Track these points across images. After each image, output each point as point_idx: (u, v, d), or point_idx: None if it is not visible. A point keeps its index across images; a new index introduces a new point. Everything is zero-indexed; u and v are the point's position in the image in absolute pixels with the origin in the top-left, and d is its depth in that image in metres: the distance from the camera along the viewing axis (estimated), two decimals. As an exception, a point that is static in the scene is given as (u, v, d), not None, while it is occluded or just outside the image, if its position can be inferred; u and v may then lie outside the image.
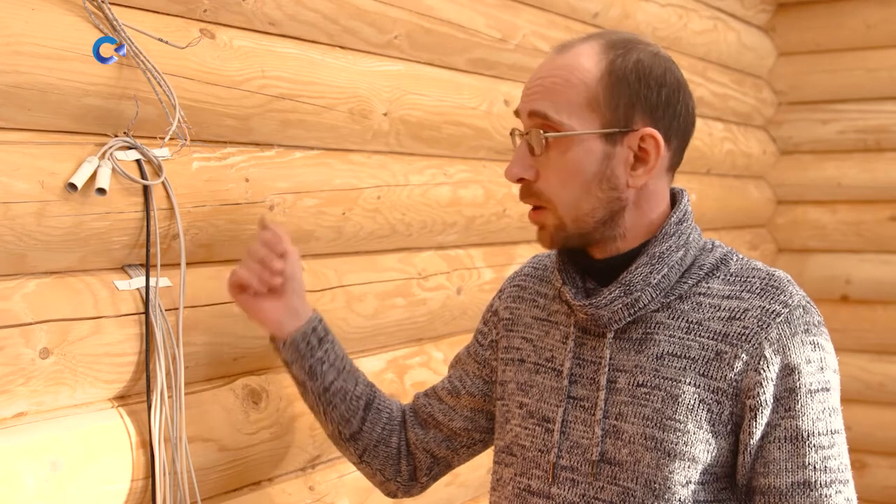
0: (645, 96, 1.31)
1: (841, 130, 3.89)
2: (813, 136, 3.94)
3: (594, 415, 1.35)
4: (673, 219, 1.35)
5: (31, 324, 1.31)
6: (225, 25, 1.61)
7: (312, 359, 1.54)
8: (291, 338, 1.53)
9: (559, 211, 1.35)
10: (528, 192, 1.37)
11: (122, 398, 1.46)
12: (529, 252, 2.38)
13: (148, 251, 1.46)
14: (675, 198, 1.41)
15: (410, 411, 1.64)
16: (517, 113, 1.39)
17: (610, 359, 1.35)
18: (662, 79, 1.33)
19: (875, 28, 3.79)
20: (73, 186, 1.34)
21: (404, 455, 1.61)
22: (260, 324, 1.57)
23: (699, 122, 3.34)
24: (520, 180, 1.37)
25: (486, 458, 1.70)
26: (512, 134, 1.40)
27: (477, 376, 1.57)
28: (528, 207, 1.39)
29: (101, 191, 1.37)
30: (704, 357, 1.31)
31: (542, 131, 1.33)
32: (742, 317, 1.31)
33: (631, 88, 1.31)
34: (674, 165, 1.38)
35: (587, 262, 1.40)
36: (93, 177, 1.37)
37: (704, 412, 1.30)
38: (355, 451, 1.60)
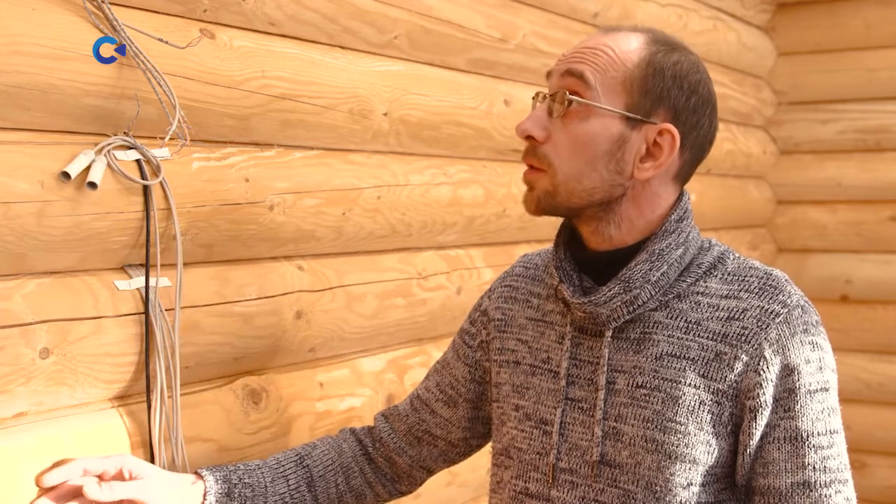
0: (675, 97, 1.32)
1: (841, 130, 3.89)
2: (813, 136, 3.94)
3: (593, 416, 1.34)
4: (673, 216, 1.35)
5: (31, 324, 1.31)
6: (225, 25, 1.61)
7: None
8: None
9: (558, 178, 1.33)
10: (533, 152, 1.35)
11: (121, 398, 1.46)
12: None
13: (148, 251, 1.46)
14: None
15: (391, 432, 1.57)
16: (549, 75, 1.38)
17: (608, 359, 1.35)
18: (695, 87, 1.34)
19: (875, 28, 3.79)
20: (66, 175, 1.34)
21: (373, 484, 1.56)
22: None
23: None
24: (528, 138, 1.35)
25: (485, 458, 1.70)
26: (534, 98, 1.38)
27: (470, 380, 1.53)
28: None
29: (92, 185, 1.36)
30: (704, 358, 1.30)
31: (567, 93, 1.32)
32: (741, 317, 1.31)
33: (664, 84, 1.32)
34: (681, 176, 1.38)
35: (584, 254, 1.39)
36: (87, 170, 1.36)
37: (705, 413, 1.29)
38: None
